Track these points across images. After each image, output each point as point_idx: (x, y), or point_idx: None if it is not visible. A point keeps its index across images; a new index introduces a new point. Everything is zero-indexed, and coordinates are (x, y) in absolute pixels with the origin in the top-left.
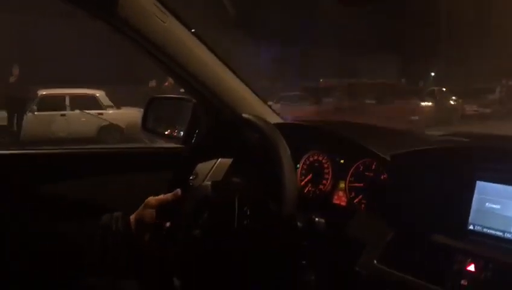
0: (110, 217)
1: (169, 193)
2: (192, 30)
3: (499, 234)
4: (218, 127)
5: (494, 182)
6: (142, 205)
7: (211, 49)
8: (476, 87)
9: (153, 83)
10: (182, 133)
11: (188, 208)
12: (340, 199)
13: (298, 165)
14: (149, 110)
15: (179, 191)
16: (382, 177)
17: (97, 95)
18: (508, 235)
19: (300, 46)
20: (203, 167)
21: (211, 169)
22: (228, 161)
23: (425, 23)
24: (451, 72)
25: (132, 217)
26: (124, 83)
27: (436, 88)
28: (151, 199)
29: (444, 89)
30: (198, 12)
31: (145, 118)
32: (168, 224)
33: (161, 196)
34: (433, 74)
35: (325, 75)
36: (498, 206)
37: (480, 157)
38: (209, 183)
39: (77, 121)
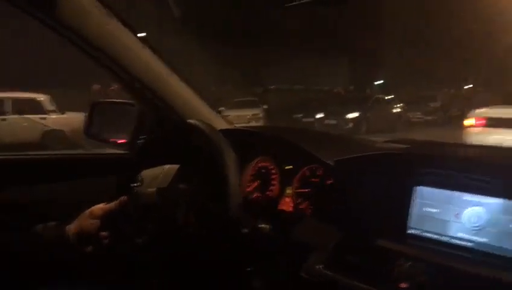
0: (43, 228)
1: (113, 200)
2: (136, 32)
3: (437, 237)
4: (164, 132)
5: (432, 187)
6: (84, 214)
7: (156, 52)
8: (419, 95)
9: (96, 87)
10: (127, 138)
11: (132, 216)
12: (287, 205)
13: (246, 172)
14: (92, 115)
15: (124, 198)
16: (328, 182)
17: (41, 99)
18: (445, 239)
19: (250, 50)
20: (148, 174)
21: (157, 175)
22: (175, 167)
23: (373, 32)
24: (396, 81)
25: (71, 227)
26: (69, 87)
27: (381, 96)
28: (96, 209)
29: (389, 97)
30: (143, 14)
31: (88, 123)
32: (110, 233)
33: (105, 205)
34: (378, 81)
35: (276, 81)
36: (436, 210)
37: (420, 163)
38: (155, 190)
39: (19, 126)
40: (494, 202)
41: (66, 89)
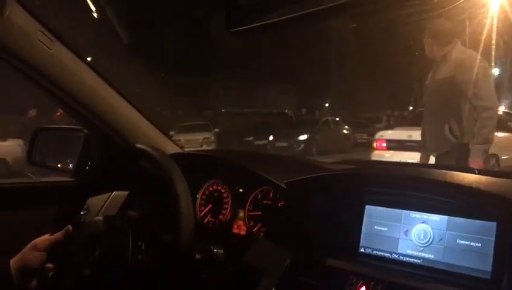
0: None
1: (56, 230)
2: (82, 57)
3: (387, 255)
4: (110, 158)
5: (381, 206)
6: (27, 246)
7: (103, 77)
8: (365, 116)
9: (32, 113)
10: (72, 165)
11: (77, 246)
12: (239, 228)
13: (197, 196)
14: (36, 141)
15: (69, 228)
16: (279, 204)
17: None
18: (394, 256)
19: (201, 76)
20: (95, 201)
21: (104, 203)
22: (123, 194)
23: (319, 57)
24: (343, 103)
25: (14, 260)
26: (6, 113)
27: (330, 118)
28: (39, 241)
29: (337, 119)
30: (91, 39)
31: (31, 150)
32: (54, 266)
33: (49, 236)
34: (327, 104)
35: (227, 105)
36: (385, 229)
37: (368, 183)
38: (101, 218)
39: None
40: (440, 219)
41: (6, 116)
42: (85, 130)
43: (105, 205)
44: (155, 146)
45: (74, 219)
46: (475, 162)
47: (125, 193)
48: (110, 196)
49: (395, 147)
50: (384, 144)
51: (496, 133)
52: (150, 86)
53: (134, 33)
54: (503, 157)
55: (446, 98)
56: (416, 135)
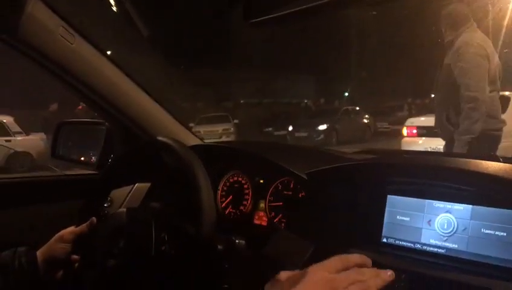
0: (13, 254)
1: (81, 223)
2: (103, 50)
3: (410, 245)
4: (133, 151)
5: (403, 196)
6: (53, 238)
7: (123, 71)
8: (385, 105)
9: (54, 107)
10: (95, 158)
11: (102, 237)
12: (260, 219)
13: (218, 187)
14: (59, 135)
15: (94, 220)
16: (300, 195)
17: (4, 121)
18: (418, 246)
19: (219, 67)
20: (118, 194)
21: (127, 195)
22: (146, 186)
23: (339, 45)
24: (363, 92)
25: (40, 252)
26: (36, 108)
27: (349, 107)
28: (65, 233)
29: (357, 108)
30: (111, 33)
31: (54, 144)
32: (80, 257)
33: (75, 228)
34: (347, 93)
35: (246, 96)
36: (408, 219)
37: (390, 172)
38: (124, 210)
39: None
40: (463, 208)
41: (33, 110)
42: (107, 124)
43: (128, 197)
44: (176, 138)
45: (98, 211)
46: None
47: (148, 185)
48: (133, 188)
49: (425, 133)
50: (414, 131)
51: None
52: (170, 78)
53: (153, 25)
54: None
55: (446, 86)
56: None
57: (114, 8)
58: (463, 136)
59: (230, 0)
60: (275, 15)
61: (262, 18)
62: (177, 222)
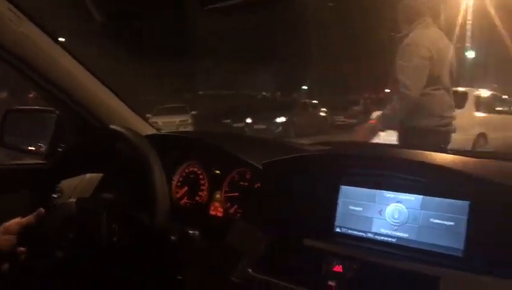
0: None
1: (28, 213)
2: (55, 37)
3: (362, 234)
4: (84, 139)
5: (356, 186)
6: None
7: (76, 58)
8: (342, 99)
9: (3, 94)
10: (45, 147)
11: (50, 228)
12: (216, 209)
13: (174, 178)
14: (6, 123)
15: (41, 210)
16: (256, 185)
17: None
18: (369, 235)
19: (178, 57)
20: (69, 184)
21: (78, 185)
22: (98, 176)
23: (298, 39)
24: (321, 86)
25: None
26: None
27: (308, 100)
28: (10, 224)
29: (315, 101)
30: (65, 20)
31: (1, 132)
32: (27, 249)
33: (20, 219)
34: (305, 87)
35: (204, 87)
36: (360, 209)
37: (343, 163)
38: (74, 200)
39: None
40: (414, 199)
41: None
42: (57, 112)
43: (79, 188)
44: (130, 127)
45: (47, 202)
46: (360, 129)
47: (100, 175)
48: (84, 178)
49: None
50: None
51: (485, 114)
52: (126, 67)
53: (109, 13)
54: (491, 137)
55: (394, 81)
56: None
57: None
58: (383, 122)
59: None
60: (229, 2)
61: (217, 5)
62: (130, 213)
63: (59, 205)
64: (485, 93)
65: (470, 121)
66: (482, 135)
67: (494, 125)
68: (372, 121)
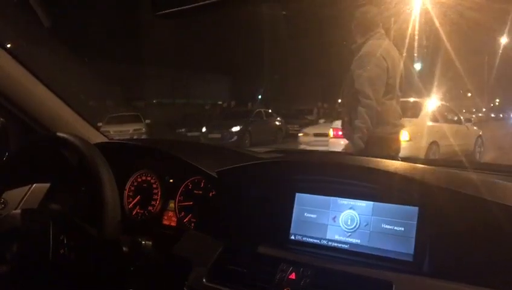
0: None
1: None
2: None
3: (316, 241)
4: (29, 147)
5: (310, 193)
6: None
7: (21, 62)
8: (296, 108)
9: None
10: None
11: None
12: (170, 219)
13: (125, 187)
14: None
15: None
16: (210, 194)
17: None
18: (323, 242)
19: (130, 64)
20: (14, 194)
21: (24, 196)
22: (45, 186)
23: (252, 47)
24: (275, 95)
25: None
26: None
27: (262, 109)
28: None
29: (270, 110)
30: (8, 23)
31: None
32: None
33: None
34: (260, 96)
35: (158, 96)
36: (315, 216)
37: (297, 170)
38: (19, 211)
39: None
40: (365, 205)
41: None
42: (1, 119)
43: (25, 198)
44: (78, 135)
45: None
46: (346, 146)
47: (47, 185)
48: (30, 188)
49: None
50: (340, 133)
51: (436, 123)
52: (75, 74)
53: (57, 16)
54: (443, 145)
55: (349, 90)
56: None
57: None
58: (355, 135)
59: None
60: (181, 8)
61: (169, 10)
62: (78, 224)
63: (3, 217)
64: (436, 103)
65: (424, 130)
66: (434, 143)
67: (445, 134)
68: (335, 130)
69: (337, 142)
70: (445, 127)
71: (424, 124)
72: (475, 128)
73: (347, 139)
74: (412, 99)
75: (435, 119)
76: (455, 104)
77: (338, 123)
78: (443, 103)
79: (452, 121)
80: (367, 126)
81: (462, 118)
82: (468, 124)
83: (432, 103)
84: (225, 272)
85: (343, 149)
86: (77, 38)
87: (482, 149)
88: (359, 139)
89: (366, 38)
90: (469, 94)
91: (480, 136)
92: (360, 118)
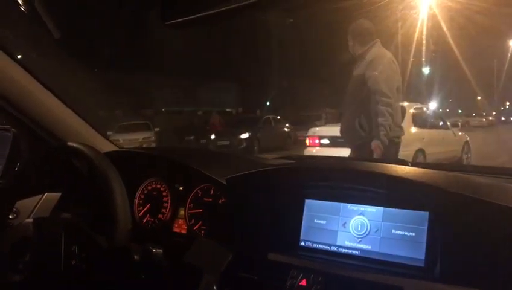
0: None
1: None
2: (9, 51)
3: (326, 247)
4: (41, 157)
5: (320, 199)
6: None
7: (32, 74)
8: (305, 114)
9: None
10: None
11: (5, 251)
12: (180, 227)
13: (135, 195)
14: None
15: None
16: (220, 201)
17: None
18: (333, 248)
19: (139, 74)
20: (26, 204)
21: (36, 205)
22: (56, 196)
23: (261, 55)
24: (284, 101)
25: None
26: None
27: (271, 116)
28: None
29: (278, 117)
30: (19, 34)
31: None
32: None
33: None
34: (268, 102)
35: (166, 104)
36: (324, 222)
37: (307, 176)
38: (31, 220)
39: None
40: (376, 210)
41: None
42: (13, 129)
43: (36, 208)
44: (89, 144)
45: (2, 223)
46: (375, 146)
47: (58, 194)
48: (42, 198)
49: (328, 143)
50: (317, 141)
51: (421, 129)
52: (85, 84)
53: (66, 27)
54: (429, 152)
55: (358, 94)
56: None
57: (22, 8)
58: (380, 132)
59: (149, 1)
60: (191, 17)
61: (179, 19)
62: (90, 233)
63: (15, 226)
64: (419, 107)
65: (409, 136)
66: (420, 151)
67: (431, 141)
68: (311, 138)
69: (317, 152)
70: (431, 133)
71: (409, 131)
72: (460, 133)
73: (353, 143)
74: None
75: (419, 125)
76: (464, 107)
77: (315, 130)
78: (424, 106)
79: (438, 127)
80: (389, 123)
81: (448, 123)
82: (454, 130)
83: (417, 107)
84: (236, 279)
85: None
86: (86, 49)
87: (469, 155)
88: (384, 136)
89: (366, 48)
90: (478, 98)
91: (467, 142)
92: (381, 116)
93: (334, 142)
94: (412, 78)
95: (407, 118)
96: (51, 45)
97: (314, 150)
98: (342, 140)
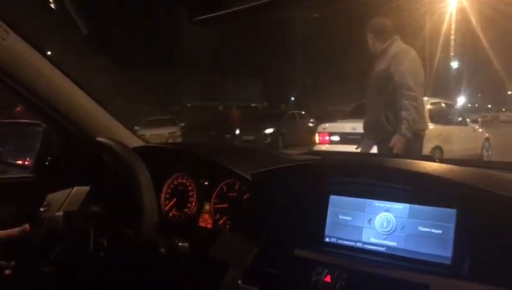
0: None
1: (15, 227)
2: (40, 48)
3: (352, 244)
4: (72, 152)
5: (345, 196)
6: None
7: (62, 70)
8: (331, 109)
9: None
10: (32, 160)
11: (36, 243)
12: (205, 221)
13: (162, 190)
14: None
15: (26, 227)
16: (245, 196)
17: None
18: (358, 245)
19: (165, 70)
20: (56, 197)
21: (66, 199)
22: (85, 189)
23: (286, 50)
24: (309, 96)
25: None
26: None
27: (295, 111)
28: None
29: (303, 112)
30: (50, 32)
31: None
32: (15, 263)
33: (5, 232)
34: (293, 98)
35: (192, 99)
36: (349, 218)
37: (332, 172)
38: (61, 213)
39: None
40: (402, 207)
41: None
42: (44, 125)
43: (66, 201)
44: (117, 139)
45: (34, 216)
46: (396, 140)
47: (87, 188)
48: (71, 191)
49: (338, 140)
50: (327, 137)
51: (439, 126)
52: (113, 80)
53: (95, 24)
54: (446, 150)
55: (382, 89)
56: (359, 127)
57: (52, 5)
58: (402, 126)
59: None
60: (218, 13)
61: (206, 16)
62: (118, 226)
63: (46, 219)
64: (437, 102)
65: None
66: (437, 148)
67: (449, 138)
68: (321, 134)
69: (320, 148)
70: (449, 129)
71: None
72: (481, 130)
73: (378, 139)
74: None
75: (436, 121)
76: (494, 102)
77: (326, 126)
78: (446, 101)
79: (456, 123)
80: (413, 117)
81: (468, 119)
82: (474, 126)
83: (435, 101)
84: (260, 274)
85: (391, 145)
86: (115, 46)
87: (489, 153)
88: (406, 130)
89: (387, 44)
90: (509, 92)
91: (487, 139)
92: (405, 109)
93: (345, 139)
94: (440, 73)
95: (425, 114)
96: (81, 41)
97: (324, 147)
98: (353, 137)
